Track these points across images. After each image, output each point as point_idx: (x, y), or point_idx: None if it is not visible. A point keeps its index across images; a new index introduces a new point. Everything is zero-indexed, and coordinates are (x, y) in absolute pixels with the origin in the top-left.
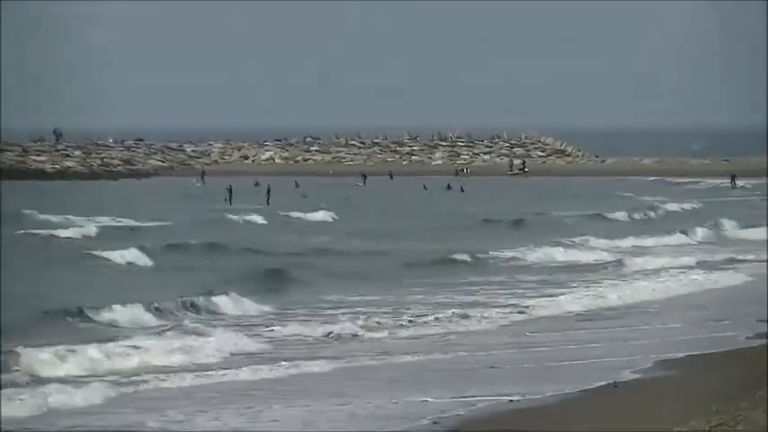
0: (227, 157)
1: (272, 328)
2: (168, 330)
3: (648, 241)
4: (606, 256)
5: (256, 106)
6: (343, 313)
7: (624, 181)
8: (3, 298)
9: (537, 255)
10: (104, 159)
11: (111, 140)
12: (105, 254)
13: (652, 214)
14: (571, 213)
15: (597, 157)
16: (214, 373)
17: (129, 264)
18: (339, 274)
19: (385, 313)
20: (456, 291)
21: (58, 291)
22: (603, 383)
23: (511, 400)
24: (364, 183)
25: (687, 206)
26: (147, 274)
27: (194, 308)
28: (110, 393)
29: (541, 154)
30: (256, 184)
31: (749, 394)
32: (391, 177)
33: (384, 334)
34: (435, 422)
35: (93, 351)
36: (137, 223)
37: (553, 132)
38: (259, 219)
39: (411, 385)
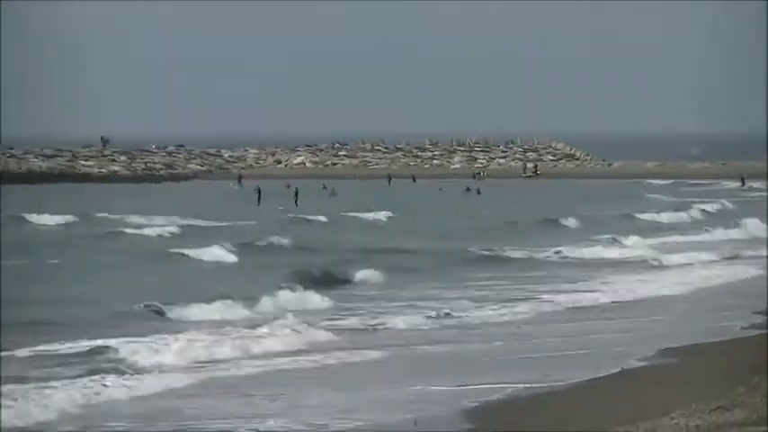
0: (261, 162)
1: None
2: (260, 324)
3: (693, 237)
4: (651, 253)
5: (288, 114)
6: (411, 305)
7: (639, 184)
8: (97, 294)
9: (582, 251)
10: (148, 164)
11: (153, 146)
12: (191, 252)
13: (695, 213)
14: (609, 213)
15: (604, 160)
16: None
17: (215, 262)
18: (404, 269)
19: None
20: (505, 285)
21: (151, 286)
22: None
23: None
24: (389, 183)
25: (717, 206)
26: (232, 271)
27: (278, 301)
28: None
29: (552, 158)
30: (288, 186)
31: (746, 381)
32: (414, 180)
33: (453, 321)
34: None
35: (185, 342)
36: (216, 223)
37: (563, 138)
38: (322, 218)
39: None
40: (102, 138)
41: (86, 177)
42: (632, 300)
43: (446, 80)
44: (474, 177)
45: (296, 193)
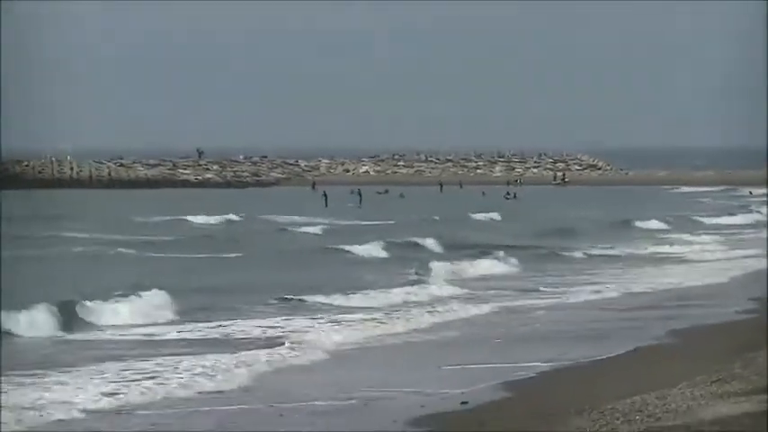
0: (332, 170)
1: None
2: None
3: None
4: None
5: (355, 129)
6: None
7: (661, 190)
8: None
9: (658, 248)
10: (236, 172)
11: (241, 157)
12: (348, 247)
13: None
14: (669, 214)
15: (622, 170)
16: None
17: (370, 256)
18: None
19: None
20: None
21: (326, 277)
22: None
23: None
24: (441, 190)
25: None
26: (388, 263)
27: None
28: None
29: (578, 168)
30: (352, 192)
31: (742, 357)
32: (461, 186)
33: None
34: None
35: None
36: (359, 222)
37: (587, 150)
38: (436, 217)
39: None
40: (197, 149)
41: (185, 183)
42: None
43: (490, 100)
44: (508, 184)
45: (359, 193)
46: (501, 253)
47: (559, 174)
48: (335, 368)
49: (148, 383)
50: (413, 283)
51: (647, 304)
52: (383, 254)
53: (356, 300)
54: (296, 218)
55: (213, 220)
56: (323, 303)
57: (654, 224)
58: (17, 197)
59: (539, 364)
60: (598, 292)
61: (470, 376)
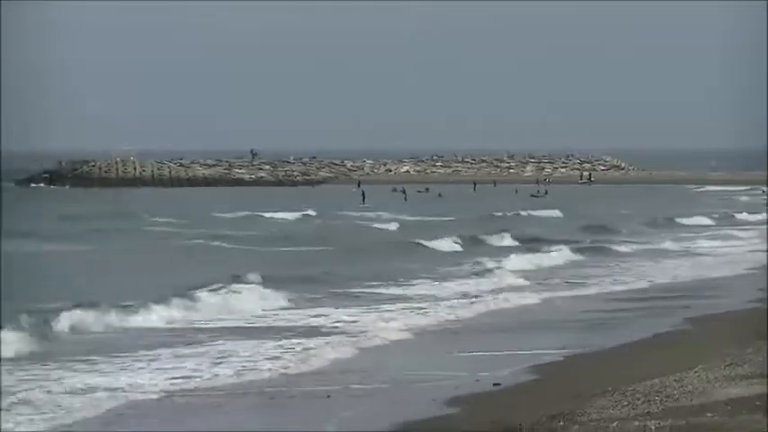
0: (375, 170)
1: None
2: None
3: None
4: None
5: (396, 132)
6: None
7: (687, 189)
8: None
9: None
10: (287, 171)
11: (291, 158)
12: (426, 242)
13: None
14: (708, 211)
15: (643, 170)
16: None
17: (447, 250)
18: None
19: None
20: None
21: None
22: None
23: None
24: (474, 189)
25: None
26: (456, 257)
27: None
28: None
29: (603, 168)
30: (393, 190)
31: (752, 343)
32: (495, 185)
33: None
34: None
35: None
36: (429, 218)
37: (611, 152)
38: (504, 213)
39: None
40: (251, 150)
41: (239, 182)
42: None
43: (521, 104)
44: (537, 183)
45: (403, 191)
46: (565, 247)
47: (585, 173)
48: (390, 353)
49: (269, 364)
50: (481, 275)
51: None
52: (456, 247)
53: (425, 288)
54: (368, 213)
55: (291, 215)
56: (394, 294)
57: (700, 220)
58: (89, 194)
59: (569, 350)
60: (675, 277)
61: (503, 361)
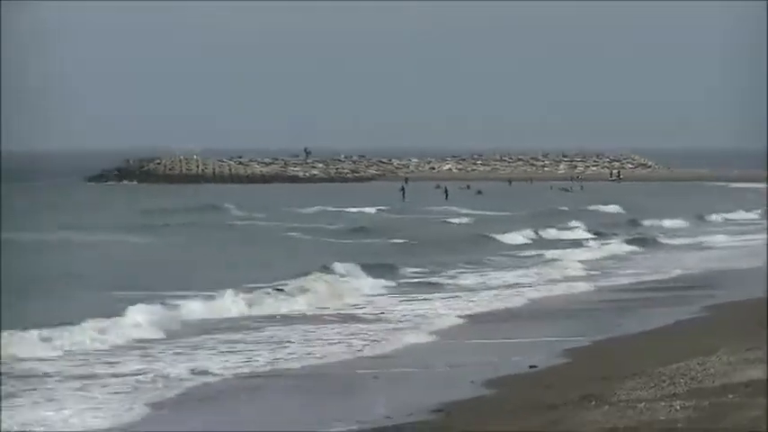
0: (420, 168)
1: None
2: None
3: None
4: None
5: (440, 133)
6: None
7: (715, 186)
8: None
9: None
10: (338, 169)
11: (342, 156)
12: (498, 236)
13: None
14: (744, 206)
15: (669, 168)
16: None
17: (518, 243)
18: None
19: None
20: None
21: None
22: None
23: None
24: (510, 184)
25: None
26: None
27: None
28: None
29: (631, 166)
30: (437, 187)
31: None
32: (531, 182)
33: None
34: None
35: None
36: (489, 213)
37: (638, 151)
38: (565, 208)
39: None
40: (305, 149)
41: (293, 179)
42: None
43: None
44: (571, 180)
45: (445, 190)
46: (620, 239)
47: (615, 171)
48: (440, 341)
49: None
50: (546, 265)
51: None
52: (525, 240)
53: (491, 277)
54: (434, 207)
55: (367, 210)
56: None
57: (743, 215)
58: (162, 191)
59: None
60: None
61: (540, 347)
